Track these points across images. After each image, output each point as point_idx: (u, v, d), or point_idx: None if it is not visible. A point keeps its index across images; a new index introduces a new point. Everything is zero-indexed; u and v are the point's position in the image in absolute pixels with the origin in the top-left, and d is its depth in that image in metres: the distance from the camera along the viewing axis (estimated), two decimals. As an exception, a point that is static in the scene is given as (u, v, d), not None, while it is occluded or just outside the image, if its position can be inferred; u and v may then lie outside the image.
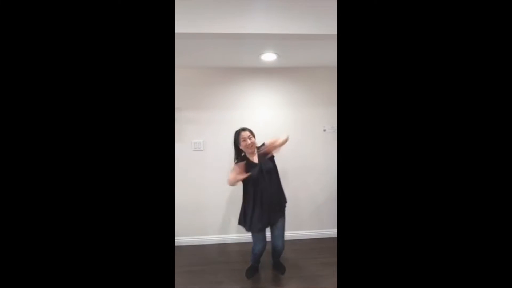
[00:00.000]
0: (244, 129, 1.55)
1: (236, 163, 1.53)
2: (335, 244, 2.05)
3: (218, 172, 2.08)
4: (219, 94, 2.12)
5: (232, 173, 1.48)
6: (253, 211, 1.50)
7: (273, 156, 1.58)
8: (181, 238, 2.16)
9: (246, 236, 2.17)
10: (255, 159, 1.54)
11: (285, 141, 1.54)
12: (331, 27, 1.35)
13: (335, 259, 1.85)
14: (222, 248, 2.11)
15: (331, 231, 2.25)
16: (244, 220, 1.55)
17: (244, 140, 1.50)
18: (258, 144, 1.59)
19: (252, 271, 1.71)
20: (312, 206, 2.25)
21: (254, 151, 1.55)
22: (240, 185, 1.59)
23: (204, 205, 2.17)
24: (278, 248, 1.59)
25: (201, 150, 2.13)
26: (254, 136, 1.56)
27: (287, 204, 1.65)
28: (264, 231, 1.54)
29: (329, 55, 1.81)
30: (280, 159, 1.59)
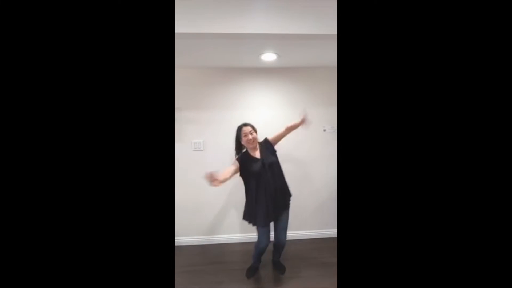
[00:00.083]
0: (246, 124, 1.55)
1: (236, 158, 1.54)
2: (335, 244, 2.05)
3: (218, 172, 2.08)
4: (219, 94, 2.12)
5: (226, 170, 1.47)
6: (257, 206, 1.49)
7: (275, 150, 1.59)
8: (181, 238, 2.16)
9: (246, 236, 2.18)
10: (256, 154, 1.54)
11: (302, 122, 1.55)
12: (331, 27, 1.35)
13: (335, 259, 1.85)
14: (222, 248, 2.11)
15: (331, 231, 2.25)
16: (249, 215, 1.54)
17: (246, 135, 1.51)
18: (260, 140, 1.59)
19: (252, 271, 1.70)
20: (312, 206, 2.25)
21: (256, 146, 1.55)
22: (240, 185, 1.59)
23: (204, 205, 2.17)
24: (281, 242, 1.58)
25: (201, 150, 2.13)
26: (256, 131, 1.56)
27: (291, 198, 1.63)
28: (268, 226, 1.53)
29: (329, 55, 1.81)
30: (280, 159, 1.59)
